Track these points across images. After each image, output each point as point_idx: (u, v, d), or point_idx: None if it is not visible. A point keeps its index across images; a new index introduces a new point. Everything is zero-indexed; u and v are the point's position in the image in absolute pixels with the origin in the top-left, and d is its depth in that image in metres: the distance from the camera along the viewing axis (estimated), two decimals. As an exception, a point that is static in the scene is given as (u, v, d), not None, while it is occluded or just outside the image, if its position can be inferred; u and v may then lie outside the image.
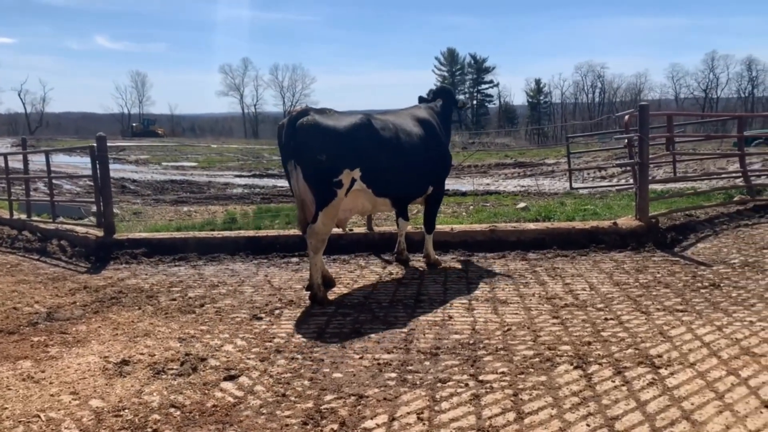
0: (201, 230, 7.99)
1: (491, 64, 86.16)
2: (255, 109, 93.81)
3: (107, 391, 3.43)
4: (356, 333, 4.28)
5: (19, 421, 3.08)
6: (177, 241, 7.28)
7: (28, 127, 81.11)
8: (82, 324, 4.71)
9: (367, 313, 4.75)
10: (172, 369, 3.71)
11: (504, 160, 27.67)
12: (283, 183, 19.46)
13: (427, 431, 2.86)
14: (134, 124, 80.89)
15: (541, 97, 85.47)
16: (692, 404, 3.03)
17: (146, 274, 6.32)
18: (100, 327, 4.62)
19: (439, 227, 6.85)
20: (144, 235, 7.68)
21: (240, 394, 3.34)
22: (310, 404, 3.18)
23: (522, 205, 9.83)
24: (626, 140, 8.44)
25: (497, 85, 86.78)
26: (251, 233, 7.48)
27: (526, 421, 2.92)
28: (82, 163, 25.49)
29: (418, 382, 3.40)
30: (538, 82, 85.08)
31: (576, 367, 3.52)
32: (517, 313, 4.60)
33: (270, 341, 4.16)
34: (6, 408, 3.25)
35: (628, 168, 11.07)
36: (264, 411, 3.13)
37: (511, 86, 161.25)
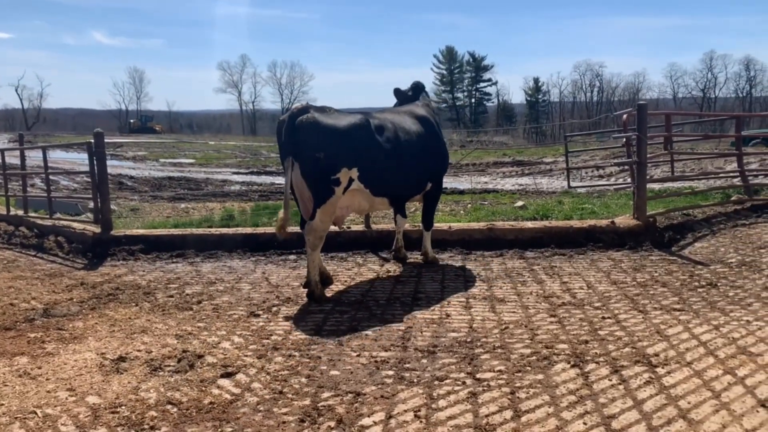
0: (199, 227, 7.98)
1: (490, 62, 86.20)
2: (253, 106, 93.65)
3: (104, 387, 3.43)
4: (353, 330, 4.28)
5: (16, 418, 3.08)
6: (174, 238, 7.27)
7: (25, 123, 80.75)
8: (78, 320, 4.70)
9: (364, 311, 4.75)
10: (169, 366, 3.71)
11: (502, 158, 27.70)
12: (281, 180, 19.44)
13: (424, 429, 2.86)
14: (132, 121, 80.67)
15: (540, 96, 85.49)
16: (689, 403, 3.04)
17: (143, 271, 6.31)
18: (97, 323, 4.61)
19: (436, 225, 6.85)
20: (141, 231, 7.66)
21: (237, 391, 3.34)
22: (307, 401, 3.18)
23: (520, 203, 9.82)
24: (624, 139, 8.46)
25: (496, 83, 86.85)
26: (249, 230, 7.47)
27: (523, 419, 2.92)
28: (79, 159, 25.46)
29: (415, 380, 3.40)
30: (536, 80, 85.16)
31: (573, 366, 3.52)
32: (514, 312, 4.60)
33: (267, 338, 4.16)
34: (2, 404, 3.24)
35: (626, 167, 11.09)
36: (261, 408, 3.12)
37: (510, 85, 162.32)
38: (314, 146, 4.87)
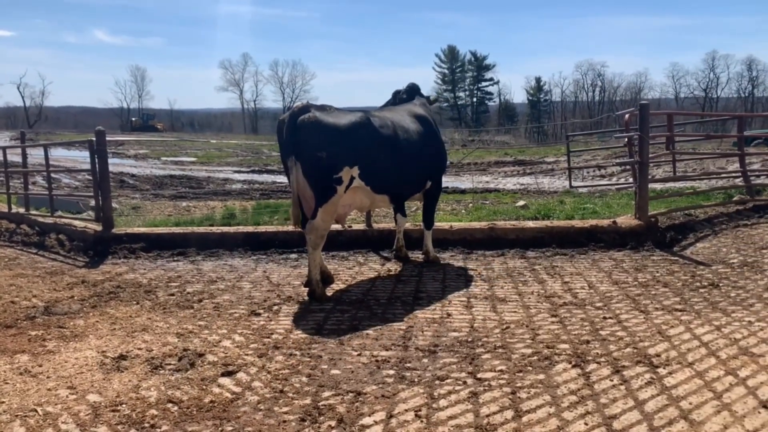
0: (200, 225, 7.98)
1: (491, 61, 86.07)
2: (254, 104, 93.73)
3: (104, 385, 3.43)
4: (354, 330, 4.28)
5: (16, 415, 3.07)
6: (176, 236, 7.27)
7: (26, 121, 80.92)
8: (79, 318, 4.70)
9: (365, 310, 4.75)
10: (170, 364, 3.71)
11: (504, 158, 27.70)
12: (282, 179, 19.45)
13: (425, 428, 2.86)
14: (133, 119, 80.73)
15: (541, 95, 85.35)
16: (690, 404, 3.03)
17: (144, 269, 6.31)
18: (97, 322, 4.61)
19: (438, 225, 6.84)
20: (142, 229, 7.67)
21: (238, 390, 3.34)
22: (307, 400, 3.17)
23: (521, 203, 9.82)
24: (626, 139, 8.44)
25: (497, 82, 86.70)
26: (250, 229, 7.47)
27: (524, 419, 2.92)
28: (80, 157, 25.49)
29: (416, 380, 3.40)
30: (538, 80, 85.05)
31: (574, 366, 3.52)
32: (515, 312, 4.60)
33: (268, 337, 4.16)
34: (3, 402, 3.24)
35: (628, 167, 11.06)
36: (262, 407, 3.12)
37: (511, 84, 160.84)
38: (316, 146, 4.87)
